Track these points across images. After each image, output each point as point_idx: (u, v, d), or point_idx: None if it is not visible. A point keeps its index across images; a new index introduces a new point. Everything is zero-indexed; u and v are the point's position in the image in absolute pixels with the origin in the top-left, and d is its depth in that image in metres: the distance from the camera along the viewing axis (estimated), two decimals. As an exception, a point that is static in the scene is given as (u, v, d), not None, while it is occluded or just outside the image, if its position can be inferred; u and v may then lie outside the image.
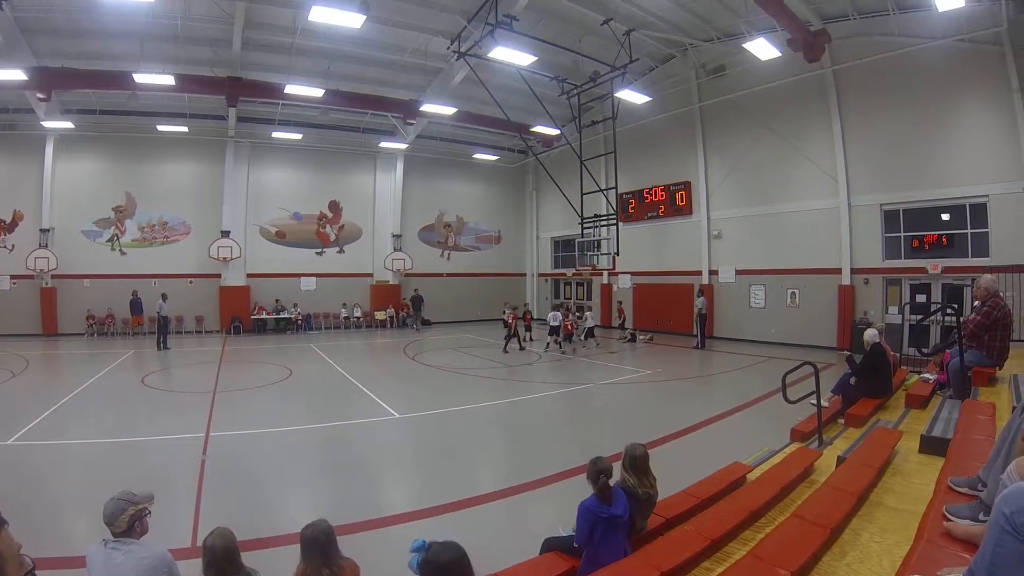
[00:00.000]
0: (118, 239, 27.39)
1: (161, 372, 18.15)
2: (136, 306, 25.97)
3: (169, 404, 13.55)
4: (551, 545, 4.79)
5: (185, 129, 27.04)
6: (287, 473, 8.90)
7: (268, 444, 10.30)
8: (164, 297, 22.99)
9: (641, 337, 25.41)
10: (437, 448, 10.35)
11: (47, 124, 24.46)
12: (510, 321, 22.29)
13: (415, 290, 31.81)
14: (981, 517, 3.05)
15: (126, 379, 16.37)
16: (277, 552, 5.51)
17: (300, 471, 9.10)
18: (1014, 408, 5.66)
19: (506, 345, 22.18)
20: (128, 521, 3.56)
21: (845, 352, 9.52)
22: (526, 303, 29.88)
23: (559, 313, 23.41)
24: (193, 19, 19.81)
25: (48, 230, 25.72)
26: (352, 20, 16.91)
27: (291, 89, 22.65)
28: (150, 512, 3.73)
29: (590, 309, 24.52)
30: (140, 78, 20.41)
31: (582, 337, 23.83)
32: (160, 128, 26.52)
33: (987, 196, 17.58)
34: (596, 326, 24.87)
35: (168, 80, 20.65)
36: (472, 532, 6.62)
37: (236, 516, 6.35)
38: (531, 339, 23.30)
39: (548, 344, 22.61)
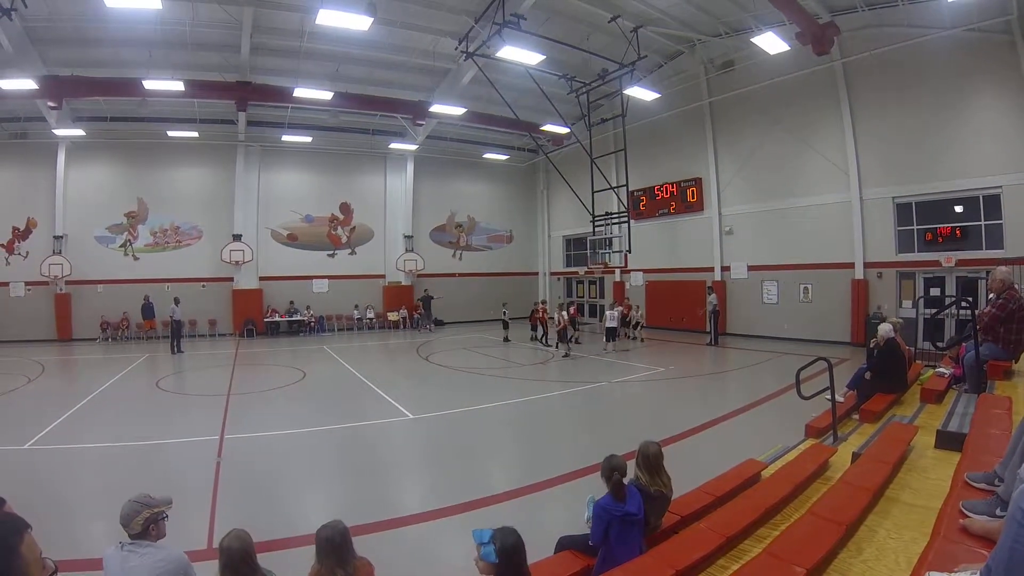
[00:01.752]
0: (131, 244, 27.60)
1: (175, 376, 18.25)
2: (148, 310, 26.17)
3: (184, 407, 13.66)
4: (566, 544, 4.79)
5: (195, 134, 27.19)
6: (301, 474, 8.95)
7: (282, 446, 10.34)
8: (177, 301, 23.13)
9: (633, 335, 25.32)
10: (451, 448, 10.37)
11: (58, 132, 24.72)
12: (541, 317, 23.76)
13: (424, 290, 31.95)
14: (998, 513, 3.02)
15: (140, 383, 16.50)
16: (292, 553, 5.53)
17: (314, 472, 9.15)
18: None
19: (557, 342, 22.59)
20: (143, 524, 3.57)
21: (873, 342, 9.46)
22: (543, 300, 29.64)
23: (564, 313, 23.28)
24: (201, 25, 19.94)
25: (61, 237, 25.99)
26: (359, 22, 16.99)
27: (300, 92, 22.72)
28: (167, 516, 3.74)
29: (612, 308, 24.03)
30: (150, 84, 20.58)
31: (604, 339, 22.98)
32: (170, 134, 26.72)
33: (1000, 187, 17.46)
34: (616, 327, 23.43)
35: (177, 86, 20.79)
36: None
37: (251, 517, 6.39)
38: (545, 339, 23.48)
39: (557, 344, 22.58)
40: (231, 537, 3.48)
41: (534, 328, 24.67)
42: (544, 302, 24.18)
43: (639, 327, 25.22)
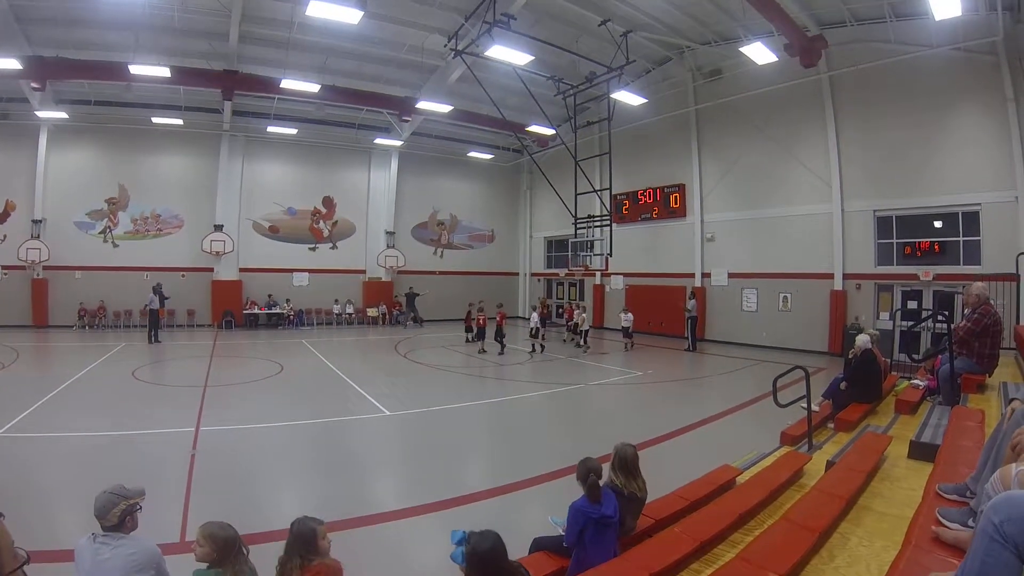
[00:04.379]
0: (111, 231, 27.29)
1: (152, 366, 18.08)
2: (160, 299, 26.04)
3: (159, 398, 13.50)
4: (540, 545, 4.80)
5: (180, 122, 26.91)
6: (277, 469, 8.89)
7: (258, 440, 10.30)
8: (155, 290, 22.90)
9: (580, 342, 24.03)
10: (427, 446, 10.36)
11: (41, 114, 24.35)
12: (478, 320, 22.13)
13: (410, 287, 31.94)
14: (970, 523, 3.07)
15: (116, 372, 16.28)
16: (265, 548, 5.48)
17: (290, 467, 9.09)
18: (1002, 416, 5.69)
19: (482, 345, 21.91)
20: (119, 515, 3.54)
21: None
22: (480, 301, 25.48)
23: (537, 314, 22.91)
24: (190, 11, 19.74)
25: (40, 221, 25.62)
26: (350, 16, 16.85)
27: (287, 84, 22.58)
28: (141, 507, 3.71)
29: (585, 310, 23.93)
30: (135, 69, 20.29)
31: (582, 341, 23.21)
32: (155, 120, 26.38)
33: (979, 204, 17.70)
34: (590, 328, 23.91)
35: (163, 72, 20.54)
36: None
37: (225, 511, 6.27)
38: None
39: (533, 346, 22.21)
40: (224, 525, 3.56)
41: (468, 330, 23.96)
42: (473, 304, 23.19)
43: (586, 333, 23.81)
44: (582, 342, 23.30)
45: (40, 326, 25.51)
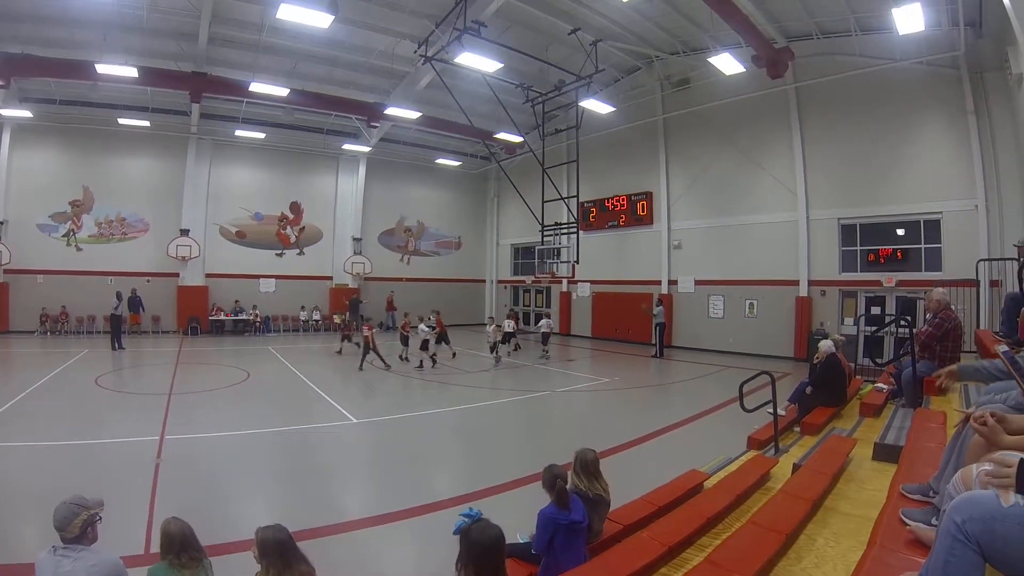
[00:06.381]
0: (74, 234, 26.71)
1: (115, 373, 17.72)
2: (135, 303, 25.47)
3: (123, 406, 13.22)
4: (508, 552, 4.76)
5: (147, 123, 26.53)
6: (243, 477, 8.75)
7: (224, 448, 10.14)
8: (119, 296, 22.52)
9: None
10: (394, 454, 10.29)
11: (4, 112, 23.72)
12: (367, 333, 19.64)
13: (354, 295, 31.94)
14: (933, 522, 3.11)
15: (79, 380, 15.90)
16: (233, 559, 5.41)
17: (257, 476, 8.94)
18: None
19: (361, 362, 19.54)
20: (81, 527, 3.47)
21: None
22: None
23: (423, 326, 20.29)
24: (160, 11, 19.49)
25: (2, 223, 24.97)
26: (320, 20, 16.79)
27: (256, 87, 22.38)
28: (101, 518, 3.65)
29: (514, 316, 23.28)
30: (103, 69, 19.93)
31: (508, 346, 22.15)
32: (121, 121, 25.95)
33: (941, 213, 18.13)
34: (513, 333, 23.08)
35: (131, 72, 20.22)
36: (428, 538, 6.58)
37: (191, 520, 6.20)
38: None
39: (421, 361, 19.95)
40: (173, 521, 3.69)
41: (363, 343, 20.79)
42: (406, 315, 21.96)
43: (496, 345, 21.82)
44: (491, 353, 21.79)
45: (0, 332, 24.91)
